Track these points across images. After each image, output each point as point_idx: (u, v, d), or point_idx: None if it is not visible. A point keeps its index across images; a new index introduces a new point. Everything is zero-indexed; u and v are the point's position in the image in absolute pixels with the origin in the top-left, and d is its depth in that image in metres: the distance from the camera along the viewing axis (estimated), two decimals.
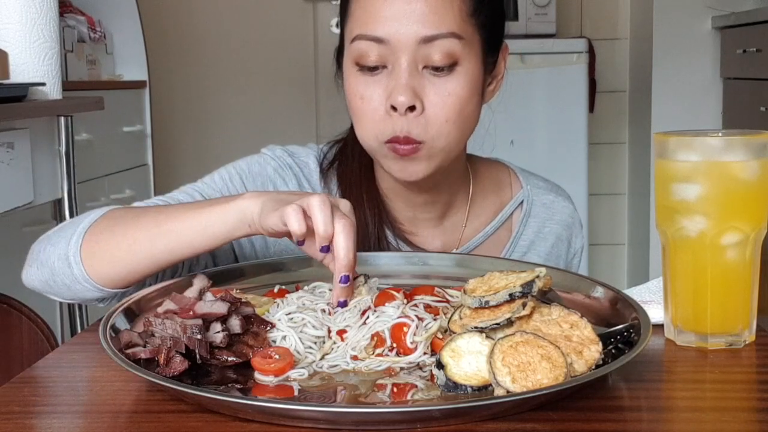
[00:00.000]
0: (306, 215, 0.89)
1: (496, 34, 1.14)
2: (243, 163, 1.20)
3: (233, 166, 1.20)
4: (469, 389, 0.75)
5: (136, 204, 1.12)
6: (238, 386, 0.80)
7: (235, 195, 0.99)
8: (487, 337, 0.78)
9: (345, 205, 0.94)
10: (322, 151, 1.24)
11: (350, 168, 1.20)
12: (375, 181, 1.20)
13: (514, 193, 1.27)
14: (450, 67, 1.06)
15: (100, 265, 1.00)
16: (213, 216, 0.95)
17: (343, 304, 0.89)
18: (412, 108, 1.05)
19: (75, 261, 0.99)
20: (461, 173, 1.22)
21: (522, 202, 1.26)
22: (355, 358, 0.83)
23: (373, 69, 1.07)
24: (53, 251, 1.02)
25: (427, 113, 1.06)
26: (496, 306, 0.82)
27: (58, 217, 2.21)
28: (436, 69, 1.06)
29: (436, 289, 0.94)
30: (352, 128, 1.18)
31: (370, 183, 1.19)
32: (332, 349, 0.85)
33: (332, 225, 0.88)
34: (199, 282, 0.93)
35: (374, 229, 1.17)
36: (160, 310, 0.86)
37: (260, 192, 0.97)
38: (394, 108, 1.05)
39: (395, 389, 0.79)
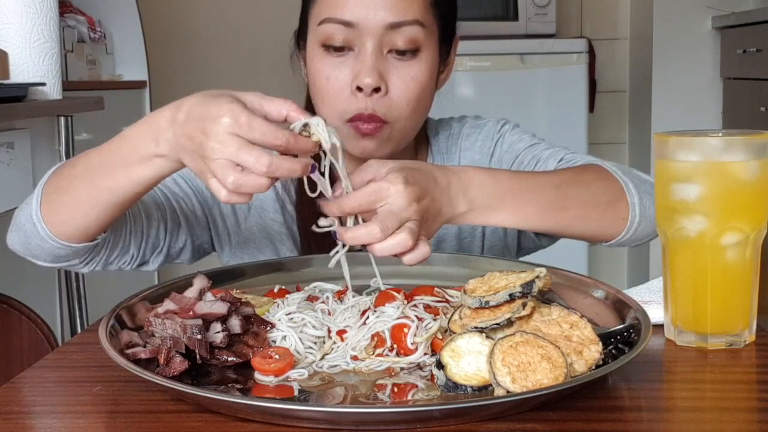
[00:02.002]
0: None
1: (451, 25, 1.20)
2: None
3: None
4: (469, 389, 0.75)
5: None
6: (238, 386, 0.80)
7: (147, 133, 0.91)
8: (487, 337, 0.78)
9: (250, 98, 0.87)
10: None
11: None
12: None
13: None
14: (413, 52, 1.12)
15: (59, 223, 1.00)
16: (144, 171, 0.92)
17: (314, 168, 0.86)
18: (377, 90, 1.10)
19: (38, 220, 1.01)
20: (411, 150, 1.26)
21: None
22: (355, 358, 0.83)
23: (339, 50, 1.11)
24: (22, 214, 1.04)
25: (390, 95, 1.11)
26: (496, 306, 0.82)
27: None
28: (400, 54, 1.11)
29: (436, 289, 0.94)
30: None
31: None
32: (332, 349, 0.85)
33: (267, 180, 0.83)
34: (199, 282, 0.93)
35: None
36: (160, 310, 0.86)
37: (160, 128, 0.90)
38: (359, 89, 1.10)
39: (395, 389, 0.79)
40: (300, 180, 0.91)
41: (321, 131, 0.86)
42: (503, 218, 1.00)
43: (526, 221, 1.01)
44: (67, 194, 0.99)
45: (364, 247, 0.90)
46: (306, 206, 1.18)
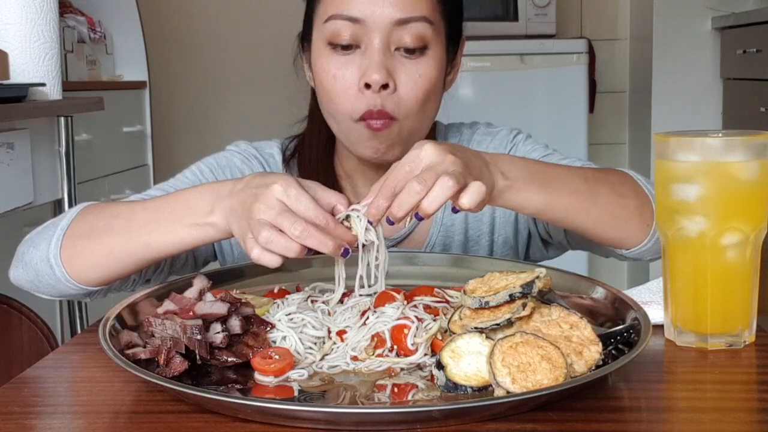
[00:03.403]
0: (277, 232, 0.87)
1: (457, 26, 1.19)
2: (210, 158, 1.25)
3: (202, 162, 1.25)
4: (469, 390, 0.75)
5: (113, 200, 1.13)
6: (238, 387, 0.80)
7: (206, 198, 0.96)
8: (487, 337, 0.78)
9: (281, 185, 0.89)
10: (283, 144, 1.29)
11: (308, 157, 1.25)
12: (333, 166, 1.24)
13: None
14: (421, 50, 1.10)
15: (80, 269, 1.02)
16: (190, 234, 0.96)
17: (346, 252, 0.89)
18: (385, 86, 1.08)
19: (56, 264, 1.02)
20: None
21: None
22: (355, 358, 0.83)
23: (345, 48, 1.10)
24: (35, 254, 1.04)
25: (399, 92, 1.10)
26: (496, 306, 0.82)
27: None
28: (408, 51, 1.10)
29: (436, 289, 0.94)
30: (309, 121, 1.25)
31: (327, 169, 1.24)
32: (332, 349, 0.85)
33: (298, 245, 0.86)
34: (199, 282, 0.93)
35: None
36: (160, 310, 0.86)
37: (220, 196, 0.94)
38: (367, 86, 1.08)
39: (395, 390, 0.79)
40: None
41: (357, 225, 0.89)
42: (540, 198, 0.96)
43: (559, 208, 0.98)
44: (98, 244, 1.00)
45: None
46: None
